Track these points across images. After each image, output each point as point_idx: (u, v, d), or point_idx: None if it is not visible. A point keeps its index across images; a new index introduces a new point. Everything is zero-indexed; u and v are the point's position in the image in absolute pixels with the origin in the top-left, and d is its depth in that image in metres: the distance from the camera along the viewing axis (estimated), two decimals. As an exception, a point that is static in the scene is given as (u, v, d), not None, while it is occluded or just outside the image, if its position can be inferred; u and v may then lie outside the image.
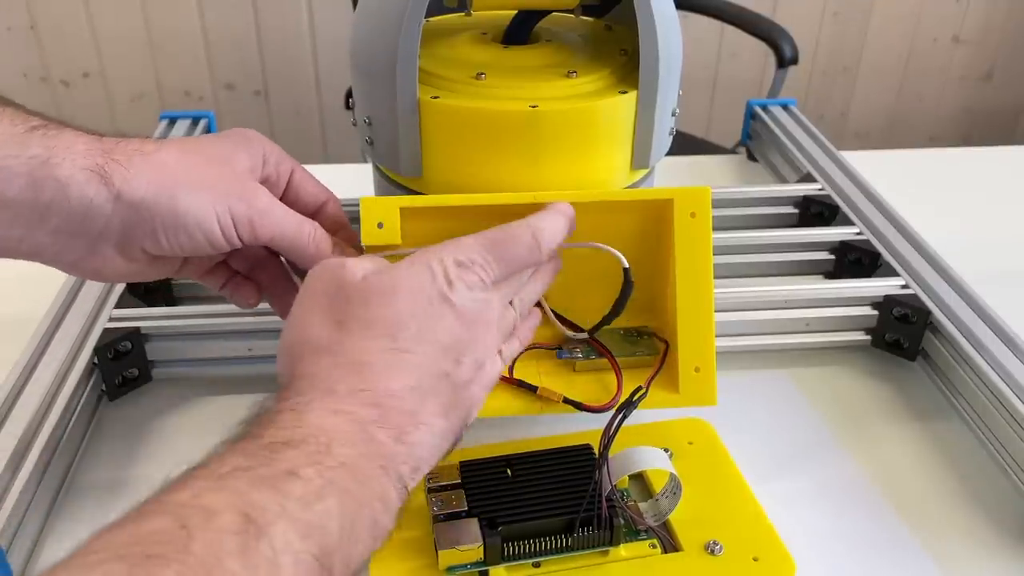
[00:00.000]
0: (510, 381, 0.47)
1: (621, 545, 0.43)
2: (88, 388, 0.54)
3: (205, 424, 0.55)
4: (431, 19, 0.59)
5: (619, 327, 0.50)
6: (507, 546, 0.42)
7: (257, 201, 0.41)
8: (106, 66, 1.84)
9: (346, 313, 0.35)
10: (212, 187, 0.40)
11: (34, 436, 0.48)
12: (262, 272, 0.47)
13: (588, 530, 0.43)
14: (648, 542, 0.44)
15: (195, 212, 0.39)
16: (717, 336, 0.47)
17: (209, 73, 1.87)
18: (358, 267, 0.37)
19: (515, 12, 0.55)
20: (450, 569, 0.42)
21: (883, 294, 0.60)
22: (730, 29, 1.64)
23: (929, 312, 0.58)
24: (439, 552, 0.41)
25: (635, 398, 0.45)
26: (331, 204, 0.47)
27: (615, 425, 0.43)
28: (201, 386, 0.58)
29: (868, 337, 0.61)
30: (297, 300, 0.37)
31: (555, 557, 0.43)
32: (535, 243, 0.40)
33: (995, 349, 0.54)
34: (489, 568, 0.42)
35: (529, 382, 0.47)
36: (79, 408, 0.52)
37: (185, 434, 0.55)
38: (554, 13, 0.59)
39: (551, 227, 0.41)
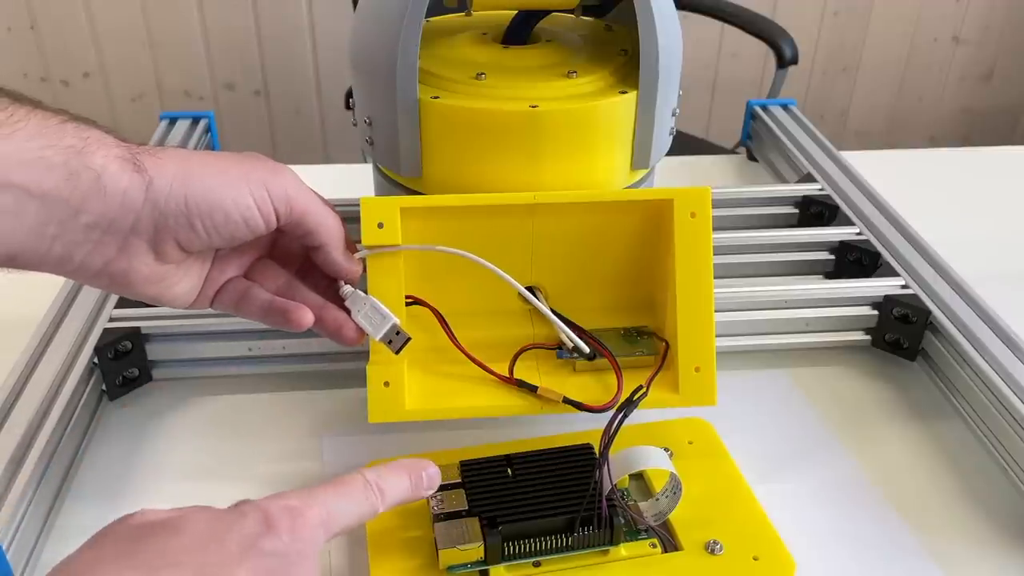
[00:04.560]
0: (510, 381, 0.47)
1: (621, 544, 0.43)
2: (88, 388, 0.54)
3: (205, 424, 0.55)
4: (431, 19, 0.59)
5: (619, 327, 0.50)
6: (507, 545, 0.42)
7: (288, 176, 0.41)
8: (106, 66, 1.84)
9: (116, 549, 0.33)
10: (242, 169, 0.40)
11: (34, 436, 0.48)
12: (290, 291, 0.46)
13: (588, 529, 0.43)
14: (648, 541, 0.44)
15: (231, 192, 0.39)
16: (717, 336, 0.47)
17: (209, 73, 1.87)
18: (150, 512, 0.35)
19: (515, 12, 0.55)
20: (451, 569, 0.42)
21: (883, 294, 0.60)
22: (730, 29, 1.64)
23: (929, 312, 0.58)
24: (439, 552, 0.41)
25: (635, 398, 0.45)
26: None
27: (615, 425, 0.43)
28: (201, 386, 0.58)
29: (868, 337, 0.61)
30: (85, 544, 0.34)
31: (555, 556, 0.43)
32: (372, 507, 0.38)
33: (995, 349, 0.54)
34: (489, 568, 0.42)
35: (529, 382, 0.47)
36: (79, 408, 0.52)
37: (185, 434, 0.55)
38: (554, 13, 0.59)
39: (393, 486, 0.39)
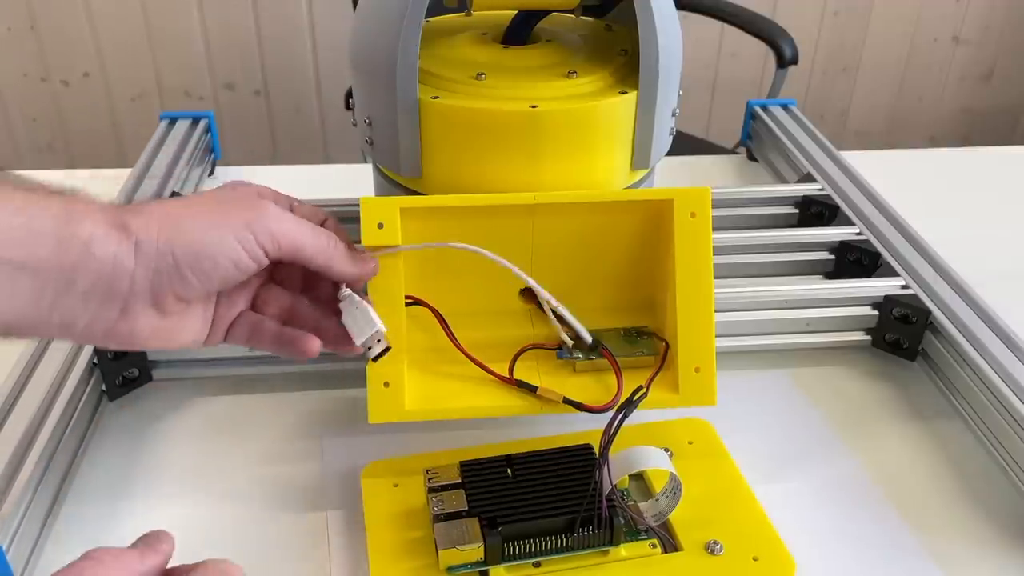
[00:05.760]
0: (510, 381, 0.47)
1: (621, 545, 0.43)
2: (88, 388, 0.54)
3: (205, 424, 0.55)
4: (431, 19, 0.59)
5: (619, 327, 0.50)
6: (507, 546, 0.42)
7: (269, 212, 0.41)
8: (106, 66, 1.84)
9: None
10: (223, 212, 0.40)
11: (35, 436, 0.48)
12: (298, 319, 0.46)
13: (588, 530, 0.43)
14: (648, 542, 0.44)
15: (215, 239, 0.39)
16: (717, 336, 0.47)
17: (209, 73, 1.87)
18: None
19: (515, 12, 0.55)
20: (450, 569, 0.42)
21: (883, 294, 0.60)
22: (730, 29, 1.64)
23: (929, 312, 0.58)
24: (439, 552, 0.41)
25: (635, 398, 0.45)
26: (330, 221, 0.46)
27: (615, 425, 0.43)
28: (201, 386, 0.58)
29: (868, 337, 0.61)
30: None
31: (555, 557, 0.43)
32: None
33: (995, 349, 0.54)
34: (489, 568, 0.42)
35: (529, 382, 0.47)
36: (79, 408, 0.52)
37: (185, 434, 0.55)
38: (554, 13, 0.59)
39: None
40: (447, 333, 0.47)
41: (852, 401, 0.58)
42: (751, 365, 0.60)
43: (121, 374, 0.56)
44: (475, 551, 0.41)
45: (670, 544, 0.44)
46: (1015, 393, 0.51)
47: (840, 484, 0.51)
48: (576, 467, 0.45)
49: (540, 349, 0.49)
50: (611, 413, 0.44)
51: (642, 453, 0.43)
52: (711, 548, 0.43)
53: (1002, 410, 0.51)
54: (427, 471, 0.45)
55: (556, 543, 0.43)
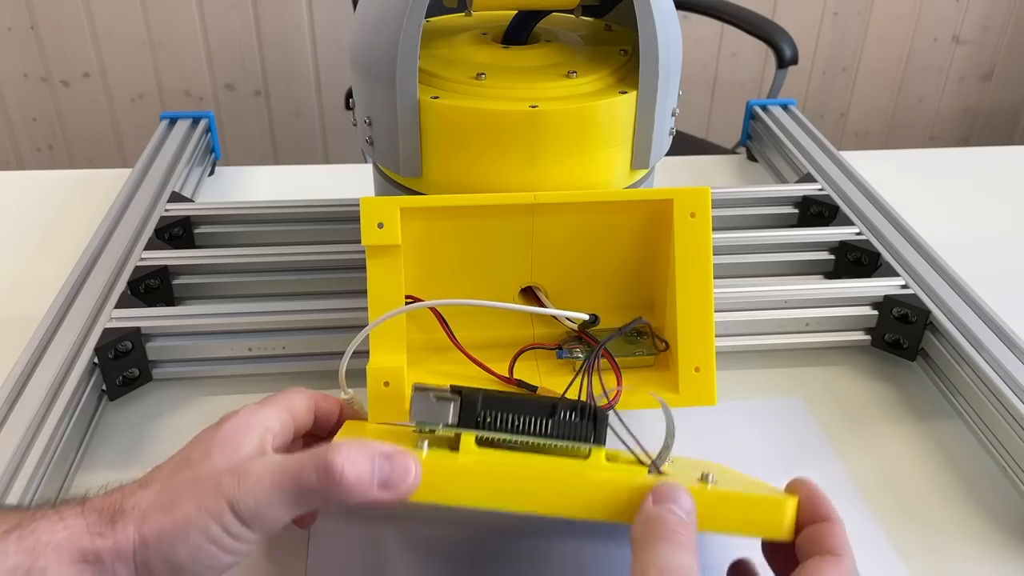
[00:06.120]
0: (510, 381, 0.47)
1: (604, 449, 0.40)
2: (88, 388, 0.54)
3: (205, 424, 0.55)
4: (431, 19, 0.59)
5: (619, 327, 0.50)
6: (484, 413, 0.39)
7: (240, 485, 0.35)
8: (106, 66, 1.84)
9: None
10: (190, 495, 0.35)
11: (35, 436, 0.48)
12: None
13: (572, 416, 0.40)
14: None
15: (191, 553, 0.34)
16: (717, 336, 0.47)
17: (209, 73, 1.87)
18: None
19: (515, 12, 0.55)
20: (420, 422, 0.39)
21: (883, 294, 0.60)
22: (730, 29, 1.64)
23: (929, 312, 0.58)
24: (411, 403, 0.39)
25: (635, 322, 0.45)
26: (345, 408, 0.45)
27: (609, 338, 0.43)
28: (201, 386, 0.58)
29: (868, 337, 0.61)
30: None
31: (533, 439, 0.40)
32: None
33: (995, 349, 0.55)
34: (461, 432, 0.39)
35: (529, 382, 0.47)
36: (79, 408, 0.52)
37: (185, 434, 0.54)
38: (554, 13, 0.59)
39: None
40: (447, 333, 0.47)
41: (852, 401, 0.58)
42: (751, 365, 0.60)
43: (121, 374, 0.56)
44: (449, 404, 0.39)
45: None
46: (1015, 393, 0.51)
47: (840, 484, 0.51)
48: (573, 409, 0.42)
49: (540, 349, 0.49)
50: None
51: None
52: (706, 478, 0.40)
53: (1002, 410, 0.51)
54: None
55: (535, 424, 0.40)
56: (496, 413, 0.40)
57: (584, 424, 0.40)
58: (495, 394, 0.40)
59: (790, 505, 0.37)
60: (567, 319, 0.49)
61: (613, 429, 0.40)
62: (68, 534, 0.33)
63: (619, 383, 0.47)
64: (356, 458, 0.35)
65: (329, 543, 0.45)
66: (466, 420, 0.40)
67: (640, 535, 0.34)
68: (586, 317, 0.47)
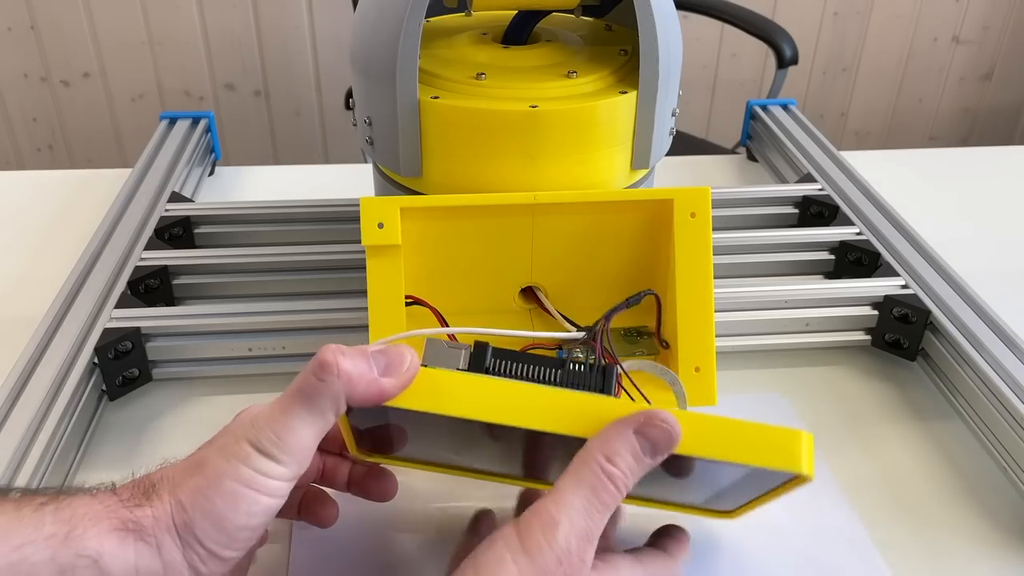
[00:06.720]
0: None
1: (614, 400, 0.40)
2: (88, 388, 0.54)
3: (205, 424, 0.55)
4: (431, 19, 0.59)
5: (619, 327, 0.50)
6: (496, 362, 0.40)
7: (254, 425, 0.35)
8: (106, 66, 1.84)
9: None
10: (220, 450, 0.35)
11: (35, 436, 0.48)
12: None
13: (580, 367, 0.40)
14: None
15: (231, 503, 0.33)
16: (717, 336, 0.47)
17: (209, 73, 1.87)
18: None
19: (515, 12, 0.55)
20: (432, 367, 0.39)
21: (883, 294, 0.60)
22: (730, 29, 1.64)
23: (929, 312, 0.58)
24: (425, 351, 0.39)
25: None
26: None
27: (616, 309, 0.43)
28: (201, 386, 0.58)
29: (868, 337, 0.61)
30: None
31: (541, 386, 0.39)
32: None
33: (995, 349, 0.54)
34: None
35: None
36: (79, 408, 0.52)
37: (185, 433, 0.54)
38: (554, 13, 0.59)
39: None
40: (447, 333, 0.47)
41: (852, 401, 0.58)
42: (751, 365, 0.60)
43: (121, 374, 0.56)
44: (460, 351, 0.39)
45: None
46: (1015, 393, 0.51)
47: (840, 484, 0.51)
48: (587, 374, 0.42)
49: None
50: None
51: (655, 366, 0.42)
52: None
53: (1002, 410, 0.51)
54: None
55: (545, 373, 0.40)
56: (506, 362, 0.40)
57: (593, 375, 0.40)
58: (506, 351, 0.40)
59: (807, 437, 0.35)
60: (569, 324, 0.49)
61: (624, 373, 0.40)
62: (104, 507, 0.33)
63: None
64: (349, 352, 0.35)
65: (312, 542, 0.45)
66: (476, 366, 0.40)
67: (583, 457, 0.34)
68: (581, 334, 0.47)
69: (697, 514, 0.42)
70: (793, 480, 0.36)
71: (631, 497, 0.40)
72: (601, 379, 0.40)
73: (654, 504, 0.42)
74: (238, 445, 0.34)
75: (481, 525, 0.44)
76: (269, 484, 0.34)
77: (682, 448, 0.35)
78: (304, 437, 0.34)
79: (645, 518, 0.43)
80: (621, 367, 0.42)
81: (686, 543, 0.41)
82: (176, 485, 0.34)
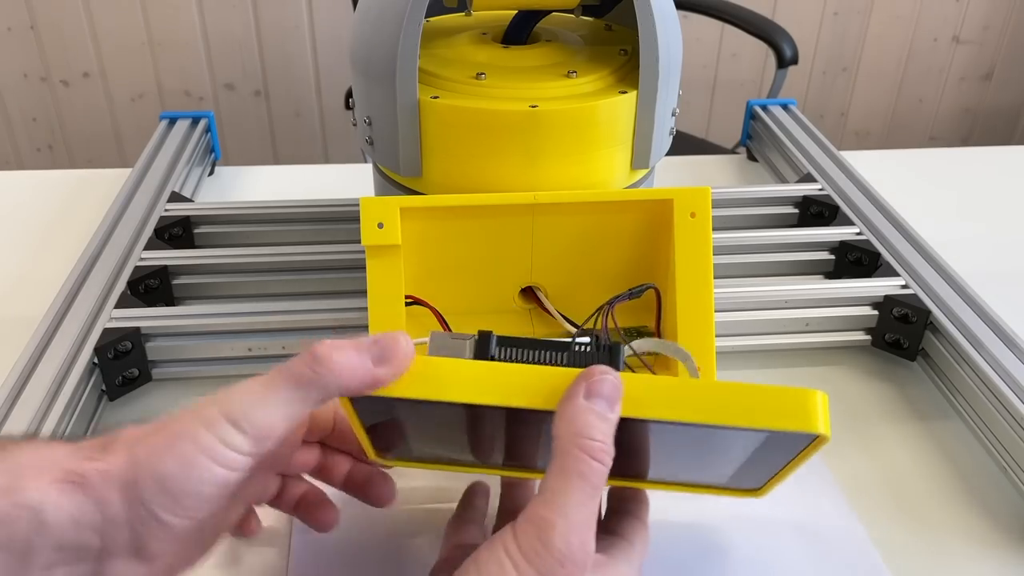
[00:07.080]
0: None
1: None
2: (88, 388, 0.54)
3: (205, 424, 0.55)
4: (431, 19, 0.59)
5: (619, 327, 0.50)
6: (501, 350, 0.39)
7: (233, 395, 0.34)
8: (106, 66, 1.84)
9: None
10: (184, 419, 0.34)
11: (35, 436, 0.48)
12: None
13: (585, 348, 0.39)
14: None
15: (175, 459, 0.32)
16: (717, 336, 0.47)
17: (209, 73, 1.87)
18: None
19: (515, 12, 0.55)
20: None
21: (883, 294, 0.60)
22: (730, 29, 1.64)
23: (929, 312, 0.58)
24: (431, 340, 0.39)
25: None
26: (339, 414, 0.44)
27: (618, 299, 0.42)
28: (201, 386, 0.58)
29: (868, 337, 0.61)
30: None
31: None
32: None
33: (995, 349, 0.54)
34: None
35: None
36: (79, 408, 0.52)
37: (185, 434, 0.54)
38: (554, 13, 0.59)
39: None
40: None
41: (852, 401, 0.58)
42: (751, 365, 0.60)
43: (121, 374, 0.56)
44: (465, 342, 0.39)
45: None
46: (1015, 393, 0.51)
47: (839, 484, 0.51)
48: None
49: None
50: None
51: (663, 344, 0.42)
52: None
53: (1002, 410, 0.51)
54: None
55: (551, 357, 0.39)
56: (511, 349, 0.39)
57: (600, 355, 0.39)
58: (511, 337, 0.39)
59: (821, 396, 0.34)
60: (569, 324, 0.49)
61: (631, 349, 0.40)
62: (53, 457, 0.31)
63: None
64: (341, 344, 0.34)
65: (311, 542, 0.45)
66: (481, 356, 0.39)
67: (557, 447, 0.33)
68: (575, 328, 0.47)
69: (724, 494, 0.41)
70: (812, 443, 0.35)
71: (656, 482, 0.40)
72: (608, 358, 0.39)
73: (679, 487, 0.41)
74: (208, 409, 0.33)
75: (476, 497, 0.44)
76: (226, 455, 0.32)
77: (700, 416, 0.34)
78: (275, 417, 0.34)
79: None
80: (630, 346, 0.41)
81: (646, 514, 0.40)
82: (136, 442, 0.33)
